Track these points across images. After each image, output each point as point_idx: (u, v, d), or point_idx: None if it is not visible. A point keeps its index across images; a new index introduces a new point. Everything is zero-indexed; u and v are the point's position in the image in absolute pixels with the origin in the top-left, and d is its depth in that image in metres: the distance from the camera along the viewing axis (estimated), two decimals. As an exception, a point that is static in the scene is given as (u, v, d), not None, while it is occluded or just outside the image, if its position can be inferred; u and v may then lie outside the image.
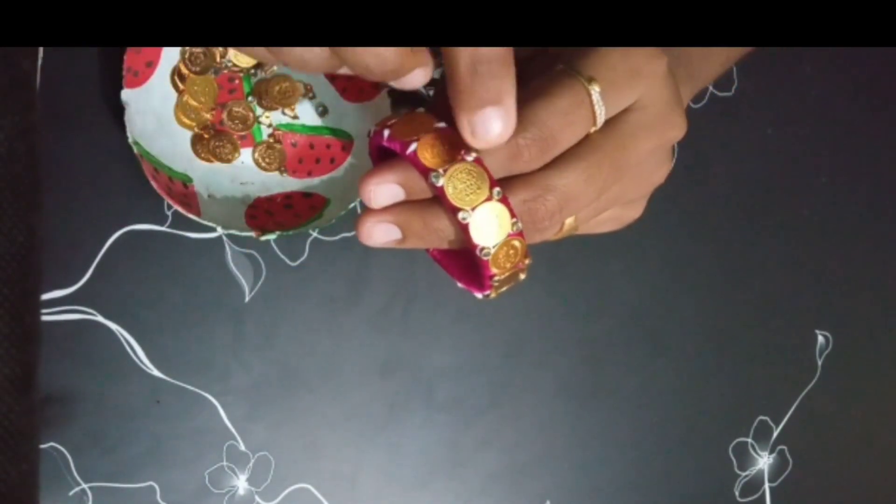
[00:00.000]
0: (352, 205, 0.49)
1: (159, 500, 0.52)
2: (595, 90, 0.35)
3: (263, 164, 0.52)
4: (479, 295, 0.37)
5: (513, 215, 0.34)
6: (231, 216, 0.50)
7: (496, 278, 0.35)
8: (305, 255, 0.53)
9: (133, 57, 0.46)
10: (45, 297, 0.48)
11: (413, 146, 0.33)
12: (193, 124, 0.50)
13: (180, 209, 0.46)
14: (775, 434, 0.64)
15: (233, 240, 0.51)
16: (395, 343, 0.55)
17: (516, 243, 0.34)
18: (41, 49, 0.46)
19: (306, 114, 0.52)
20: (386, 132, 0.34)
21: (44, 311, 0.48)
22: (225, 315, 0.52)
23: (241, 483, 0.53)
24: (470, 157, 0.33)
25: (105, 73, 0.48)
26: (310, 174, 0.52)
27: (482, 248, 0.34)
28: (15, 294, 0.37)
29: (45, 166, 0.42)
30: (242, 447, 0.53)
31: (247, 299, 0.52)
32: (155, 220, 0.50)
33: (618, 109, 0.36)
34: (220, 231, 0.49)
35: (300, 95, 0.51)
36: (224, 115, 0.50)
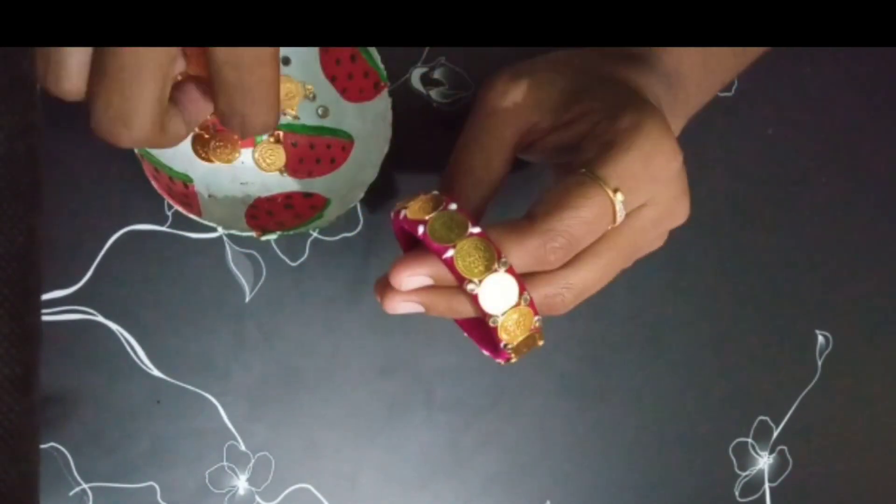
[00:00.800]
0: (352, 204, 0.49)
1: (160, 500, 0.52)
2: (619, 200, 0.37)
3: (264, 165, 0.52)
4: (500, 361, 0.40)
5: (535, 313, 0.37)
6: (232, 216, 0.50)
7: (513, 359, 0.38)
8: (306, 255, 0.53)
9: (133, 57, 0.46)
10: (46, 297, 0.48)
11: (450, 252, 0.35)
12: (194, 124, 0.50)
13: (181, 209, 0.46)
14: (775, 434, 0.64)
15: (233, 240, 0.51)
16: (396, 343, 0.55)
17: (535, 334, 0.37)
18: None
19: (307, 114, 0.52)
20: (421, 229, 0.36)
21: (44, 311, 0.48)
22: (225, 315, 0.52)
23: (242, 483, 0.53)
24: (503, 268, 0.35)
25: (105, 74, 0.48)
26: (310, 174, 0.52)
27: (506, 344, 0.37)
28: (15, 294, 0.37)
29: (45, 166, 0.42)
30: (243, 447, 0.53)
31: (247, 299, 0.52)
32: (155, 220, 0.50)
33: (633, 207, 0.39)
34: (220, 231, 0.49)
35: (301, 97, 0.51)
36: None
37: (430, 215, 0.36)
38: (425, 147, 0.54)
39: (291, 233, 0.49)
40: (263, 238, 0.48)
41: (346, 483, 0.55)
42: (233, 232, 0.47)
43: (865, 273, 0.65)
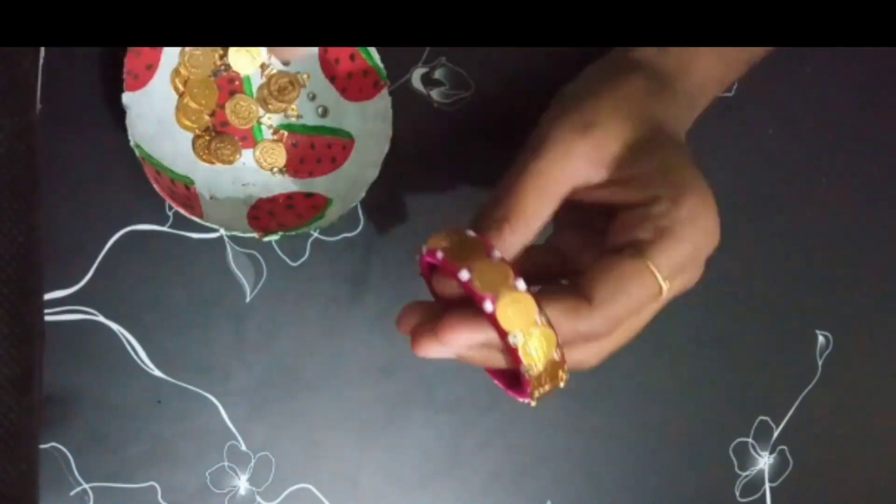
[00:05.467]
0: (353, 204, 0.49)
1: (160, 500, 0.52)
2: (666, 287, 0.38)
3: (265, 165, 0.52)
4: (519, 399, 0.40)
5: (564, 362, 0.37)
6: (233, 217, 0.50)
7: (533, 404, 0.39)
8: (306, 255, 0.53)
9: (133, 60, 0.46)
10: (46, 297, 0.48)
11: (492, 306, 0.35)
12: (195, 126, 0.50)
13: (183, 211, 0.46)
14: (775, 434, 0.64)
15: (234, 240, 0.51)
16: (396, 343, 0.55)
17: (560, 382, 0.38)
18: (41, 49, 0.46)
19: (307, 114, 0.52)
20: (465, 274, 0.35)
21: (45, 311, 0.48)
22: (226, 315, 0.52)
23: (243, 483, 0.53)
24: (542, 320, 0.35)
25: (106, 73, 0.48)
26: (311, 174, 0.52)
27: (532, 392, 0.38)
28: (15, 294, 0.37)
29: (46, 166, 0.42)
30: (243, 447, 0.53)
31: (248, 299, 0.52)
32: (156, 221, 0.50)
33: None
34: (221, 232, 0.50)
35: (299, 88, 0.51)
36: (229, 109, 0.50)
37: (477, 263, 0.36)
38: (426, 147, 0.54)
39: (293, 233, 0.49)
40: (265, 239, 0.48)
41: (346, 483, 0.55)
42: (235, 233, 0.47)
43: (865, 273, 0.65)
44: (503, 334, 0.35)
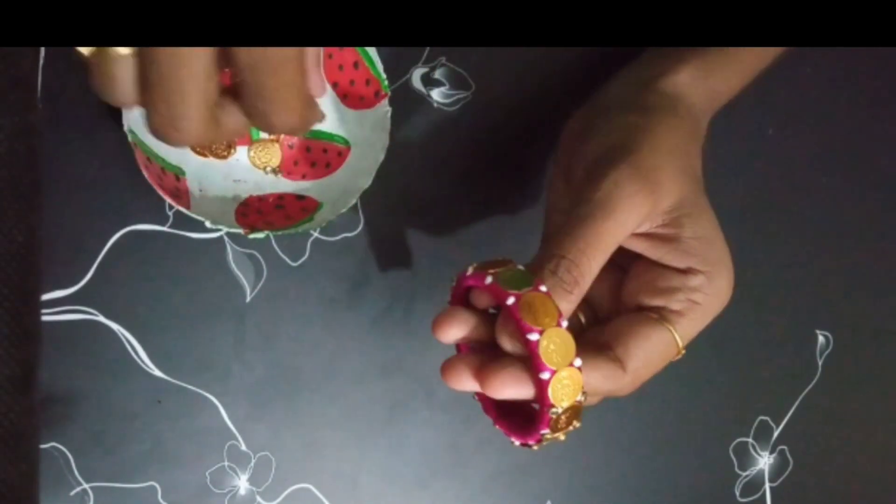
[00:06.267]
0: (343, 210, 0.49)
1: (160, 499, 0.52)
2: (682, 352, 0.43)
3: (258, 164, 0.52)
4: (516, 442, 0.41)
5: (580, 412, 0.39)
6: (221, 212, 0.50)
7: (535, 448, 0.40)
8: (307, 255, 0.53)
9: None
10: (46, 297, 0.48)
11: (549, 376, 0.36)
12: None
13: (169, 199, 0.45)
14: (776, 434, 0.64)
15: (234, 240, 0.51)
16: (397, 343, 0.55)
17: (572, 428, 0.39)
18: (41, 49, 0.46)
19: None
20: (534, 336, 0.36)
21: (44, 311, 0.48)
22: (226, 315, 0.52)
23: (243, 483, 0.53)
24: (577, 363, 0.37)
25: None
26: (304, 177, 0.52)
27: (545, 434, 0.39)
28: (15, 294, 0.37)
29: (46, 166, 0.42)
30: (243, 447, 0.53)
31: (248, 299, 0.52)
32: (156, 220, 0.50)
33: None
34: (209, 224, 0.49)
35: None
36: None
37: (549, 331, 0.37)
38: (426, 147, 0.54)
39: (279, 233, 0.49)
40: (251, 236, 0.48)
41: (346, 483, 0.55)
42: (220, 226, 0.47)
43: (865, 273, 0.65)
44: (547, 403, 0.37)
